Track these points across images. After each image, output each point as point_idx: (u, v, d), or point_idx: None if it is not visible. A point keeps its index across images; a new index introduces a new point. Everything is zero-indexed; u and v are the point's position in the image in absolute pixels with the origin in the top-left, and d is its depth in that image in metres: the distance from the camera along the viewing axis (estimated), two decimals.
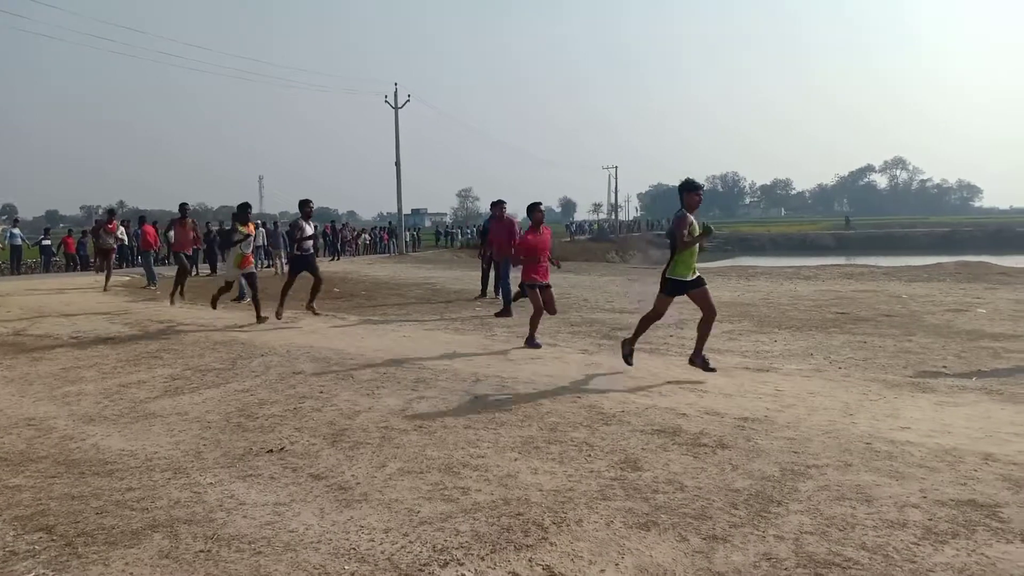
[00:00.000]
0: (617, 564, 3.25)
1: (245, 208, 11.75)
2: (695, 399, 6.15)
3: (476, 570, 3.21)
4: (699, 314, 7.12)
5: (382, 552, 3.40)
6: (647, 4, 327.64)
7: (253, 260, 11.76)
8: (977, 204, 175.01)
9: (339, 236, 37.16)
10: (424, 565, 3.26)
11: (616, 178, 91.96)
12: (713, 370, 6.97)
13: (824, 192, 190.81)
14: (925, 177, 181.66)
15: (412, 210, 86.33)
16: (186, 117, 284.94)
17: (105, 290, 17.33)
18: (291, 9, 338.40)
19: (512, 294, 10.21)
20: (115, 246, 19.23)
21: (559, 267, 9.13)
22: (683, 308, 12.38)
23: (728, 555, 3.30)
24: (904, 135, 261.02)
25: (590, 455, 4.73)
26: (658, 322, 7.52)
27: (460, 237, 55.33)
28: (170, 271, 24.46)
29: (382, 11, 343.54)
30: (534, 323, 9.00)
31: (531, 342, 8.92)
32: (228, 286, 11.98)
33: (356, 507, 3.95)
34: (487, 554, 3.35)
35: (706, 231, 7.05)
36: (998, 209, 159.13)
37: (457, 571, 3.20)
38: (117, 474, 4.62)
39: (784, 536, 3.47)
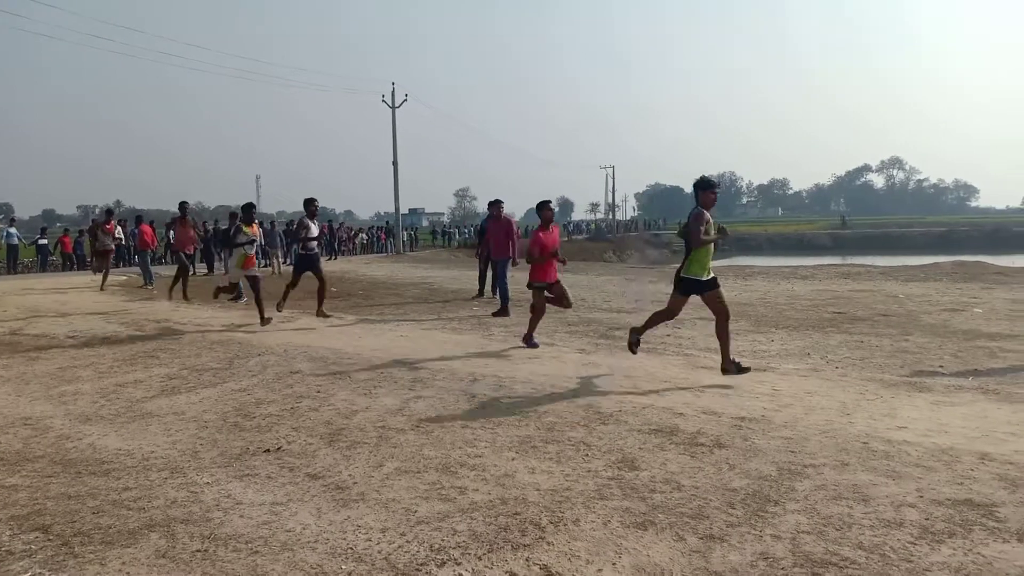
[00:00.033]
0: (614, 564, 3.25)
1: (250, 209, 11.62)
2: (692, 399, 6.16)
3: (473, 570, 3.21)
4: (699, 314, 7.12)
5: (379, 552, 3.40)
6: (645, 4, 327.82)
7: (256, 262, 11.63)
8: (974, 204, 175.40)
9: (335, 236, 37.13)
10: (421, 565, 3.26)
11: (613, 178, 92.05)
12: (747, 370, 6.75)
13: (821, 192, 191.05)
14: (922, 177, 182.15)
15: (409, 210, 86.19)
16: (183, 116, 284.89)
17: (102, 289, 17.32)
18: (289, 8, 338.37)
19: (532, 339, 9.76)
20: (113, 247, 19.17)
21: (564, 264, 9.01)
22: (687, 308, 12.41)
23: (725, 554, 3.30)
24: (901, 135, 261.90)
25: (587, 455, 4.73)
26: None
27: (457, 236, 55.30)
28: (168, 270, 24.49)
29: (380, 10, 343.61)
30: (534, 323, 8.97)
31: (529, 341, 8.91)
32: (232, 287, 11.88)
33: (353, 507, 3.95)
34: (484, 554, 3.35)
35: (720, 231, 7.00)
36: (995, 209, 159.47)
37: (454, 571, 3.20)
38: (114, 474, 4.61)
39: (781, 535, 3.48)
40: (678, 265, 7.06)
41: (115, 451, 5.08)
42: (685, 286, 6.88)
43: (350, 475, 4.45)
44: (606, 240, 67.26)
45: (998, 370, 7.19)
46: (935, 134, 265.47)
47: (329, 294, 13.99)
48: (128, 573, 3.26)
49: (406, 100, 41.52)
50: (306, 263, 11.52)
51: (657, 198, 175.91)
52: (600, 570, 3.20)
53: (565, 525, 3.64)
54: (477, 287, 15.47)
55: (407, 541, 3.50)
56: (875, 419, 5.45)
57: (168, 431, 5.55)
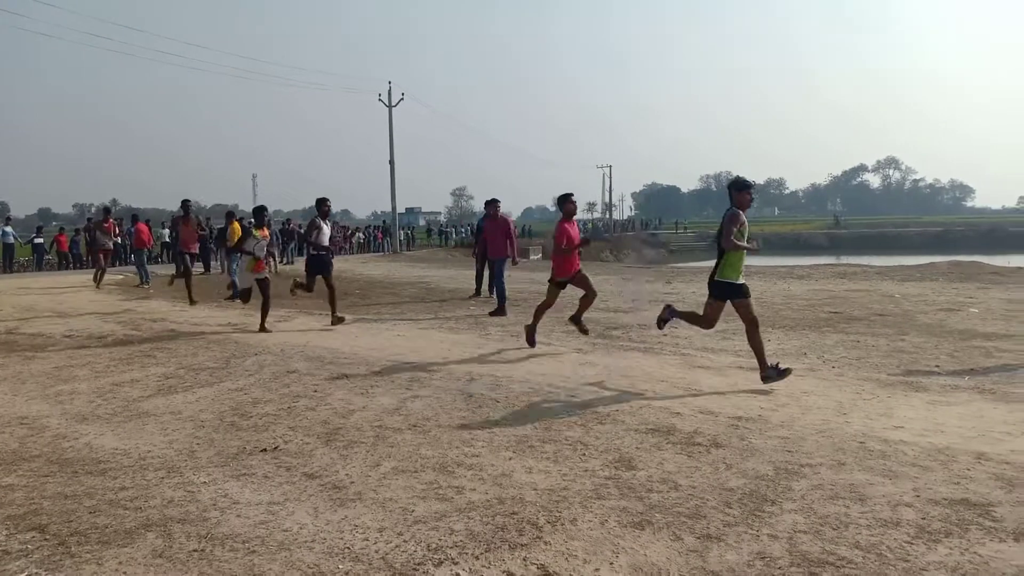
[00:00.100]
0: (612, 563, 3.25)
1: (261, 212, 11.19)
2: (689, 398, 6.16)
3: (471, 569, 3.21)
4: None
5: (376, 551, 3.40)
6: (644, 4, 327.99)
7: (266, 266, 11.12)
8: (970, 204, 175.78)
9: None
10: (419, 564, 3.26)
11: (610, 177, 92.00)
12: (789, 371, 6.43)
13: (817, 191, 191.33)
14: (918, 177, 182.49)
15: (406, 209, 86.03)
16: (180, 115, 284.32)
17: (98, 288, 17.28)
18: (288, 8, 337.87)
19: (534, 332, 9.51)
20: (111, 246, 19.11)
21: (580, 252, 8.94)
22: (678, 307, 12.41)
23: (722, 554, 3.31)
24: (898, 135, 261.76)
25: (584, 454, 4.73)
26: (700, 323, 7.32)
27: (454, 236, 55.31)
28: (164, 269, 24.44)
29: (378, 10, 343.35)
30: (539, 316, 8.91)
31: (531, 336, 8.82)
32: (247, 293, 11.16)
33: (350, 506, 3.95)
34: (482, 553, 3.35)
35: (752, 242, 6.76)
36: (991, 209, 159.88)
37: (452, 570, 3.20)
38: (110, 473, 4.60)
39: (778, 535, 3.48)
40: (711, 269, 6.80)
41: (112, 450, 5.07)
42: (719, 290, 6.63)
43: (347, 475, 4.45)
44: (603, 239, 67.21)
45: (994, 370, 7.21)
46: (931, 134, 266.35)
47: (324, 294, 13.98)
48: (125, 573, 3.26)
49: (403, 99, 41.56)
50: (318, 264, 10.92)
51: (654, 198, 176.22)
52: (597, 570, 3.20)
53: (562, 525, 3.64)
54: (474, 286, 15.46)
55: (404, 541, 3.50)
56: (871, 419, 5.46)
57: (165, 430, 5.54)
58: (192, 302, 13.55)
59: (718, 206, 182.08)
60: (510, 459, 4.67)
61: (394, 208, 43.88)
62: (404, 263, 30.39)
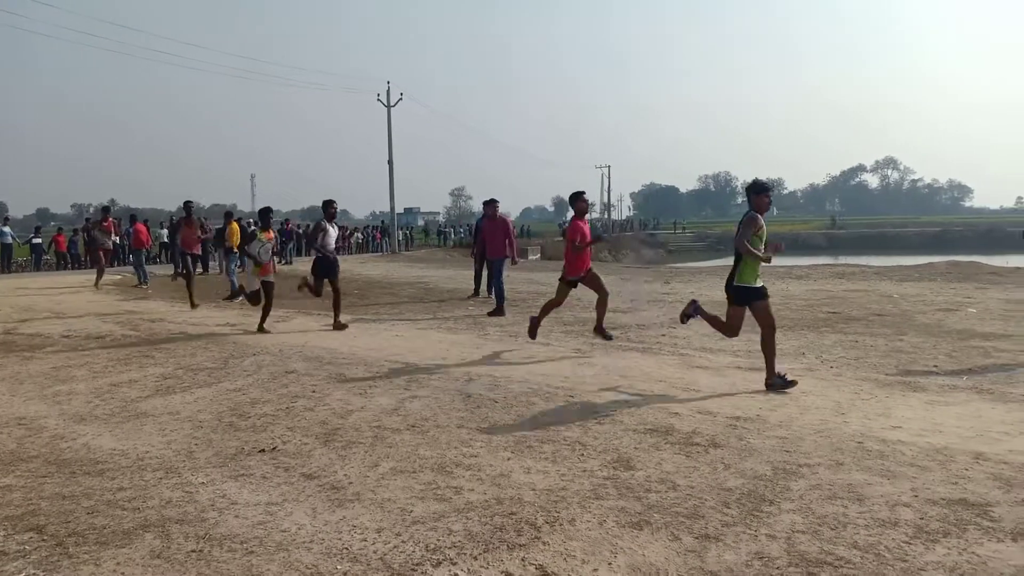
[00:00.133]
0: (610, 563, 3.25)
1: (267, 214, 11.02)
2: (687, 398, 6.17)
3: (469, 569, 3.21)
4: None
5: (375, 552, 3.40)
6: (643, 4, 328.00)
7: (271, 268, 10.80)
8: (968, 204, 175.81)
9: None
10: (417, 565, 3.26)
11: (609, 177, 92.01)
12: (794, 383, 6.34)
13: (816, 192, 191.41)
14: (916, 177, 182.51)
15: (405, 209, 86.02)
16: (179, 115, 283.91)
17: (97, 288, 17.26)
18: (286, 7, 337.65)
19: (538, 324, 9.10)
20: (111, 245, 19.07)
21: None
22: (676, 308, 12.42)
23: (720, 554, 3.31)
24: (896, 135, 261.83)
25: (583, 454, 4.73)
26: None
27: (453, 236, 55.32)
28: (163, 269, 24.42)
29: (377, 10, 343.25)
30: (546, 312, 8.96)
31: (534, 328, 8.85)
32: (256, 295, 10.73)
33: (349, 507, 3.95)
34: (480, 553, 3.35)
35: (771, 248, 6.75)
36: (989, 209, 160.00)
37: (450, 571, 3.20)
38: (108, 474, 4.60)
39: (776, 535, 3.48)
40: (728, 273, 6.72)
41: (110, 451, 5.06)
42: (739, 295, 6.54)
43: (345, 475, 4.45)
44: (601, 240, 67.22)
45: (992, 370, 7.21)
46: (930, 134, 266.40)
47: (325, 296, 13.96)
48: (123, 573, 3.25)
49: (401, 99, 41.58)
50: (325, 269, 10.63)
51: (652, 198, 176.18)
52: (596, 570, 3.20)
53: (561, 525, 3.64)
54: (473, 287, 15.46)
55: (403, 541, 3.50)
56: (870, 419, 5.46)
57: (163, 431, 5.54)
58: (193, 305, 13.33)
59: (716, 206, 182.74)
60: (508, 459, 4.67)
61: (393, 208, 43.88)
62: (403, 263, 30.38)
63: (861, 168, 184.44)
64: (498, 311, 11.97)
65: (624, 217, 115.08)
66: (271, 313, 10.63)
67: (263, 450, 4.97)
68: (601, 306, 8.72)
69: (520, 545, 3.43)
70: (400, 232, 46.55)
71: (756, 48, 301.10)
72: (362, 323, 11.33)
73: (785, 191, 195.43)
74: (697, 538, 3.48)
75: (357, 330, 10.48)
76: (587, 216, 9.11)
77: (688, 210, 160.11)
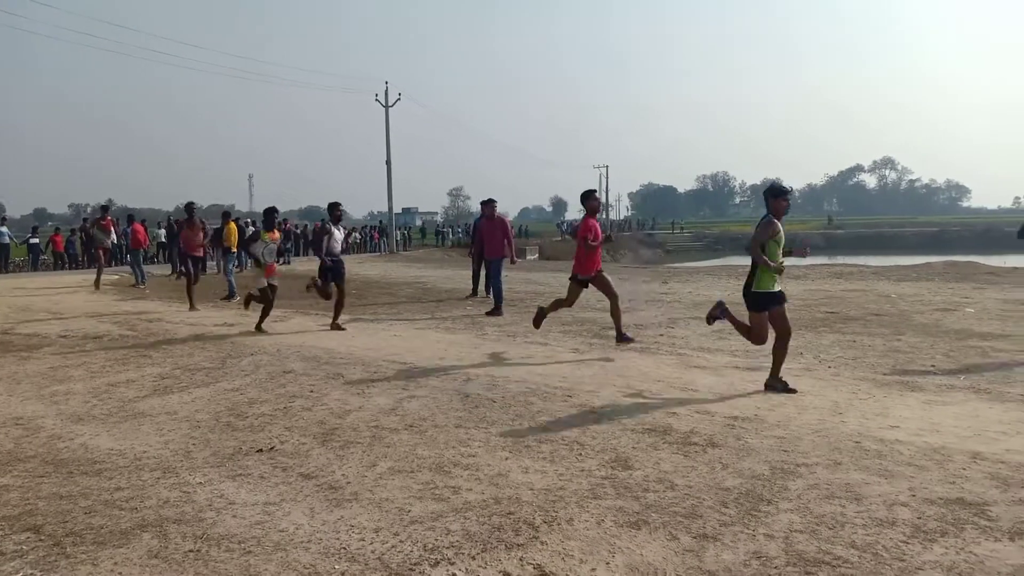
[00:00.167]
0: (608, 563, 3.25)
1: (271, 214, 10.78)
2: (685, 398, 6.17)
3: (467, 569, 3.21)
4: (692, 314, 7.08)
5: (372, 551, 3.40)
6: (642, 4, 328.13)
7: (276, 269, 10.72)
8: (965, 204, 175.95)
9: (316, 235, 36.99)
10: (415, 564, 3.26)
11: (607, 177, 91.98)
12: (793, 391, 6.24)
13: (814, 192, 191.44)
14: (914, 177, 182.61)
15: (403, 209, 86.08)
16: (176, 115, 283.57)
17: (97, 288, 17.16)
18: (284, 7, 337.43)
19: (544, 316, 9.08)
20: (110, 244, 19.01)
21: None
22: (674, 307, 12.44)
23: (718, 554, 3.31)
24: (893, 135, 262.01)
25: (581, 454, 4.73)
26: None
27: (451, 236, 55.29)
28: (160, 269, 24.40)
29: (375, 10, 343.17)
30: (557, 307, 8.98)
31: (539, 319, 8.98)
32: (263, 293, 10.54)
33: (346, 506, 3.94)
34: (478, 553, 3.35)
35: (792, 253, 6.64)
36: (986, 209, 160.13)
37: (448, 570, 3.20)
38: (106, 474, 4.59)
39: (774, 535, 3.48)
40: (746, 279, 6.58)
41: (107, 451, 5.06)
42: (759, 301, 6.37)
43: (343, 475, 4.45)
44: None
45: (990, 369, 7.22)
46: (928, 135, 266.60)
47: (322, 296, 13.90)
48: (120, 573, 3.25)
49: (399, 99, 41.57)
50: (331, 272, 10.49)
51: (650, 198, 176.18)
52: (594, 569, 3.20)
53: (559, 524, 3.64)
54: (471, 286, 15.45)
55: (400, 541, 3.50)
56: (867, 418, 5.47)
57: (160, 431, 5.53)
58: (192, 307, 13.17)
59: (714, 206, 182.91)
60: (506, 459, 4.67)
61: (391, 208, 43.88)
62: (401, 263, 30.37)
63: (859, 168, 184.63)
64: (496, 311, 11.96)
65: (622, 217, 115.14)
66: (270, 314, 10.57)
67: (261, 450, 4.97)
68: (615, 312, 8.49)
69: (518, 545, 3.43)
70: (398, 232, 46.55)
71: (755, 48, 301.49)
72: (360, 323, 11.32)
73: None
74: (695, 538, 3.48)
75: (355, 330, 10.47)
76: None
77: (686, 210, 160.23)
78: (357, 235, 44.08)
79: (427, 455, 4.77)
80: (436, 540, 3.49)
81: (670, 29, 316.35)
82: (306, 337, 9.81)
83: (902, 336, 9.22)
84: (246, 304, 11.32)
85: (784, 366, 6.51)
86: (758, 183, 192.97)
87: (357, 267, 26.29)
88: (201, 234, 14.60)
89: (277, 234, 10.80)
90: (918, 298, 13.21)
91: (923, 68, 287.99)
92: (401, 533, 3.58)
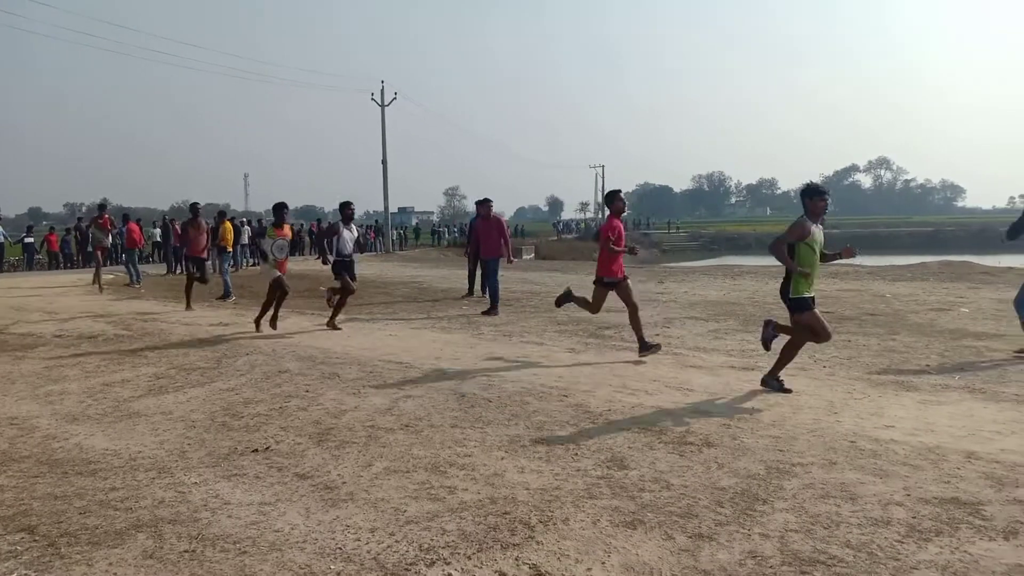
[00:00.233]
0: (603, 563, 3.25)
1: (281, 210, 10.54)
2: (681, 398, 6.17)
3: (463, 569, 3.21)
4: (688, 314, 7.07)
5: (368, 551, 3.39)
6: (638, 4, 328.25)
7: (287, 266, 10.51)
8: (960, 204, 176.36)
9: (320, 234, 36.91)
10: (410, 564, 3.25)
11: (603, 177, 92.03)
12: (789, 391, 6.20)
13: None
14: (909, 177, 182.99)
15: (399, 208, 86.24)
16: (171, 114, 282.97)
17: (98, 289, 16.91)
18: (281, 7, 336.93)
19: (568, 299, 8.79)
20: (108, 243, 18.92)
21: (636, 254, 8.49)
22: (670, 307, 12.45)
23: (714, 553, 3.31)
24: (889, 135, 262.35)
25: (576, 454, 4.73)
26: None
27: (447, 236, 55.28)
28: (156, 269, 24.35)
29: (372, 9, 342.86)
30: (581, 305, 8.56)
31: (562, 301, 8.70)
32: (279, 282, 10.21)
33: (342, 506, 3.94)
34: (474, 553, 3.35)
35: (833, 256, 6.43)
36: (981, 209, 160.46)
37: (444, 570, 3.20)
38: (100, 474, 4.58)
39: (769, 534, 3.49)
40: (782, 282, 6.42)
41: (102, 451, 5.05)
42: (795, 306, 6.20)
43: (339, 475, 4.44)
44: (595, 239, 67.33)
45: (984, 369, 7.24)
46: (923, 135, 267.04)
47: (315, 293, 13.91)
48: (115, 574, 3.24)
49: (395, 98, 41.56)
50: (343, 267, 10.57)
51: (646, 198, 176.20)
52: (589, 569, 3.20)
53: (554, 524, 3.64)
54: (467, 286, 15.46)
55: (396, 541, 3.49)
56: (862, 418, 5.48)
57: (155, 431, 5.52)
58: (188, 307, 13.10)
59: (710, 206, 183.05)
60: (502, 459, 4.67)
61: (387, 207, 43.88)
62: (397, 263, 30.35)
63: (854, 168, 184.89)
64: (492, 311, 11.96)
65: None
66: (267, 314, 10.47)
67: (256, 450, 4.96)
68: (635, 322, 8.09)
69: (514, 544, 3.43)
70: (394, 231, 46.52)
71: (750, 48, 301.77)
72: (356, 323, 11.31)
73: (779, 191, 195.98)
74: (691, 537, 3.48)
75: (351, 330, 10.46)
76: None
77: (682, 210, 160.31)
78: (372, 235, 43.36)
79: (423, 455, 4.77)
80: (432, 540, 3.49)
81: (666, 29, 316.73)
82: (302, 337, 9.79)
83: (897, 336, 9.23)
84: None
85: (791, 389, 6.40)
86: (754, 183, 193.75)
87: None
88: (205, 235, 14.37)
89: (288, 230, 10.49)
90: (913, 298, 13.24)
91: (918, 69, 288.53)
92: (397, 533, 3.58)
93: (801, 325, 6.29)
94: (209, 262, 20.92)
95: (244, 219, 29.62)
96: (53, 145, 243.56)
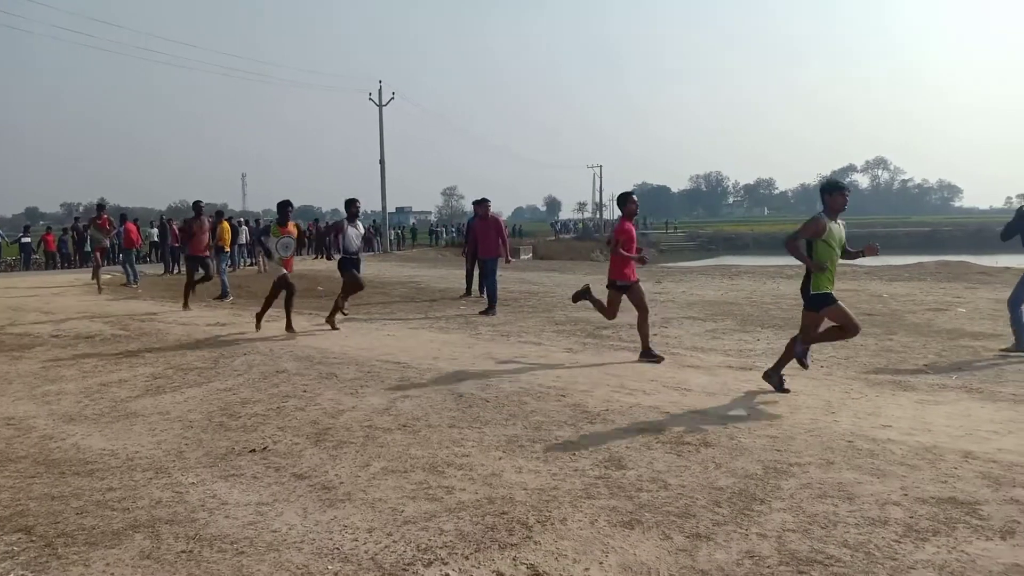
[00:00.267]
0: (601, 563, 3.25)
1: (285, 207, 10.30)
2: (679, 397, 6.18)
3: (460, 569, 3.20)
4: (686, 313, 7.07)
5: (366, 552, 3.39)
6: (636, 4, 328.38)
7: (293, 265, 10.37)
8: (957, 204, 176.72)
9: (320, 234, 36.93)
10: (408, 564, 3.25)
11: (601, 177, 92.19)
12: (787, 391, 6.16)
13: (807, 192, 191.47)
14: (906, 177, 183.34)
15: (397, 208, 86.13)
16: (169, 114, 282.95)
17: (99, 291, 16.81)
18: (279, 6, 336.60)
19: (586, 297, 8.57)
20: (107, 244, 18.86)
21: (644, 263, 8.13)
22: (667, 307, 12.45)
23: (711, 553, 3.31)
24: (886, 136, 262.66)
25: (574, 454, 4.73)
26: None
27: (444, 235, 55.25)
28: (152, 269, 24.32)
29: (370, 9, 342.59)
30: (599, 310, 8.29)
31: (578, 298, 8.53)
32: (283, 280, 10.11)
33: (340, 507, 3.94)
34: (471, 553, 3.35)
35: (857, 254, 6.36)
36: (978, 209, 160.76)
37: (441, 570, 3.20)
38: (98, 474, 4.57)
39: (767, 534, 3.49)
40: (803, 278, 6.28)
41: (99, 451, 5.04)
42: (815, 302, 6.11)
43: (336, 475, 4.44)
44: (593, 239, 67.39)
45: (981, 369, 7.25)
46: (920, 135, 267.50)
47: (313, 293, 13.90)
48: (112, 574, 3.23)
49: (393, 98, 41.52)
50: (349, 264, 10.56)
51: (644, 197, 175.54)
52: (587, 569, 3.20)
53: (552, 524, 3.64)
54: (464, 286, 15.45)
55: (394, 541, 3.49)
56: (860, 418, 5.48)
57: (153, 431, 5.51)
58: (186, 307, 13.03)
59: (708, 206, 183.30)
60: (500, 459, 4.66)
61: (384, 207, 43.82)
62: (394, 263, 30.32)
63: (852, 168, 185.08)
64: (490, 310, 11.96)
65: (616, 216, 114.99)
66: (265, 312, 10.42)
67: (254, 450, 4.96)
68: (642, 327, 7.95)
69: (511, 544, 3.43)
70: (392, 231, 46.51)
71: (748, 49, 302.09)
72: (354, 323, 11.30)
73: (776, 191, 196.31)
74: (688, 537, 3.48)
75: (348, 330, 10.45)
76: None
77: (679, 210, 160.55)
78: (392, 232, 42.81)
79: (421, 455, 4.77)
80: (429, 540, 3.49)
81: (664, 30, 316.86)
82: (299, 337, 9.78)
83: (894, 336, 9.25)
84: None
85: (789, 389, 6.35)
86: (751, 183, 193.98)
87: None
88: (208, 234, 14.20)
89: (292, 227, 10.36)
90: (910, 298, 13.25)
91: (916, 69, 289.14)
92: (394, 533, 3.58)
93: (808, 324, 6.23)
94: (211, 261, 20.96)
95: (241, 219, 29.58)
96: (50, 145, 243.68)
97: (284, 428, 5.47)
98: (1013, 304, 8.13)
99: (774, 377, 6.33)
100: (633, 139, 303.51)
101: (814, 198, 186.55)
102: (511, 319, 11.33)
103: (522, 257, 39.19)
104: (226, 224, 17.96)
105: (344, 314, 10.97)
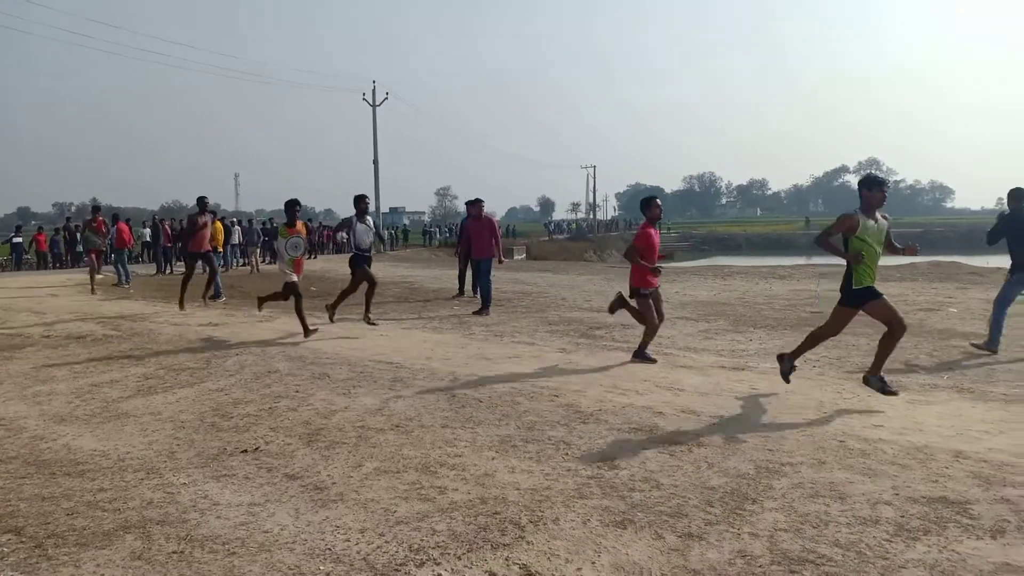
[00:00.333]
0: (594, 562, 3.25)
1: (292, 207, 9.98)
2: (671, 397, 6.18)
3: (453, 569, 3.20)
4: (679, 314, 7.08)
5: (358, 552, 3.38)
6: (628, 5, 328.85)
7: (304, 265, 10.21)
8: (949, 205, 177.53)
9: (314, 234, 36.89)
10: (400, 565, 3.25)
11: (594, 177, 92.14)
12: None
13: (799, 192, 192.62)
14: (899, 178, 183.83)
15: (390, 208, 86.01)
16: (162, 114, 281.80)
17: (93, 292, 16.73)
18: (273, 7, 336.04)
19: (623, 306, 8.16)
20: (103, 246, 18.76)
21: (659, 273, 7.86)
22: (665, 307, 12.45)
23: (703, 553, 3.32)
24: (879, 137, 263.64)
25: (567, 453, 4.73)
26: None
27: (438, 236, 55.18)
28: (145, 269, 24.23)
29: (363, 9, 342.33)
30: (649, 334, 7.79)
31: (616, 307, 8.13)
32: (291, 286, 9.91)
33: (332, 507, 3.93)
34: (464, 553, 3.34)
35: (900, 249, 6.20)
36: (969, 210, 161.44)
37: (433, 571, 3.19)
38: (89, 475, 4.55)
39: (759, 533, 3.50)
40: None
41: (90, 452, 5.02)
42: (855, 298, 5.96)
43: (329, 475, 4.43)
44: (587, 239, 67.43)
45: (972, 369, 7.28)
46: (912, 136, 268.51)
47: (306, 293, 13.86)
48: (103, 575, 3.22)
49: (387, 98, 41.60)
50: (359, 263, 10.60)
51: (637, 198, 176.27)
52: (579, 569, 3.20)
53: (545, 524, 3.64)
54: (457, 286, 15.45)
55: (386, 541, 3.49)
56: (852, 417, 5.50)
57: (144, 431, 5.49)
58: (181, 306, 12.92)
59: (701, 207, 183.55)
60: (493, 459, 4.66)
61: (378, 208, 43.86)
62: (388, 263, 30.26)
63: (844, 169, 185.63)
64: (483, 311, 11.96)
65: (609, 217, 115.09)
66: (265, 311, 10.37)
67: (246, 450, 4.94)
68: (649, 333, 7.83)
69: (504, 545, 3.43)
70: (385, 232, 46.48)
71: (741, 50, 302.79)
72: (346, 323, 11.28)
73: (769, 191, 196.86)
74: (680, 537, 3.49)
75: (341, 330, 10.44)
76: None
77: (673, 210, 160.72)
78: (344, 234, 43.28)
79: (413, 455, 4.76)
80: (422, 540, 3.48)
81: (656, 30, 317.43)
82: (291, 337, 9.75)
83: None
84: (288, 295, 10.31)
85: (767, 364, 6.48)
86: (744, 183, 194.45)
87: (343, 266, 26.19)
88: (209, 231, 14.02)
89: (301, 227, 10.12)
90: (902, 298, 13.29)
91: (909, 70, 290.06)
92: (387, 533, 3.57)
93: (835, 321, 6.12)
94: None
95: (234, 219, 29.51)
96: (42, 144, 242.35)
97: (276, 428, 5.46)
98: (998, 304, 8.21)
99: (787, 364, 6.29)
100: (627, 139, 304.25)
101: (807, 199, 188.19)
102: (504, 319, 11.32)
103: (515, 257, 39.16)
104: (219, 224, 17.91)
105: (373, 324, 10.83)
